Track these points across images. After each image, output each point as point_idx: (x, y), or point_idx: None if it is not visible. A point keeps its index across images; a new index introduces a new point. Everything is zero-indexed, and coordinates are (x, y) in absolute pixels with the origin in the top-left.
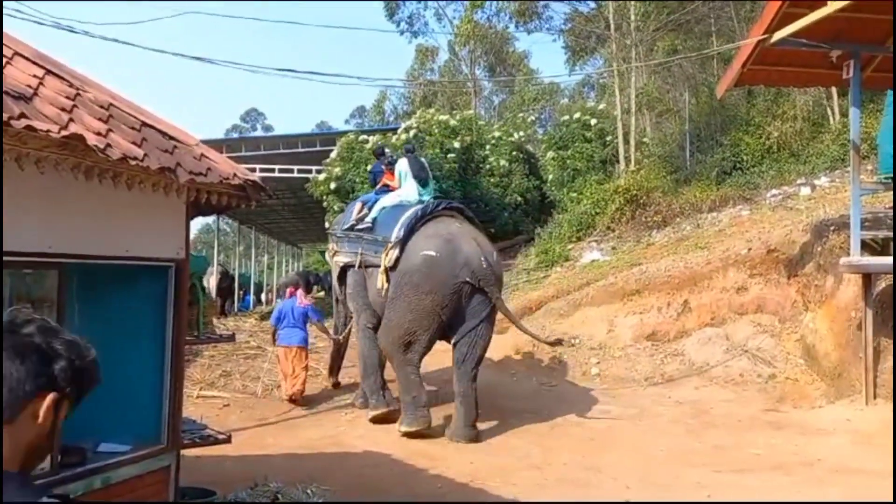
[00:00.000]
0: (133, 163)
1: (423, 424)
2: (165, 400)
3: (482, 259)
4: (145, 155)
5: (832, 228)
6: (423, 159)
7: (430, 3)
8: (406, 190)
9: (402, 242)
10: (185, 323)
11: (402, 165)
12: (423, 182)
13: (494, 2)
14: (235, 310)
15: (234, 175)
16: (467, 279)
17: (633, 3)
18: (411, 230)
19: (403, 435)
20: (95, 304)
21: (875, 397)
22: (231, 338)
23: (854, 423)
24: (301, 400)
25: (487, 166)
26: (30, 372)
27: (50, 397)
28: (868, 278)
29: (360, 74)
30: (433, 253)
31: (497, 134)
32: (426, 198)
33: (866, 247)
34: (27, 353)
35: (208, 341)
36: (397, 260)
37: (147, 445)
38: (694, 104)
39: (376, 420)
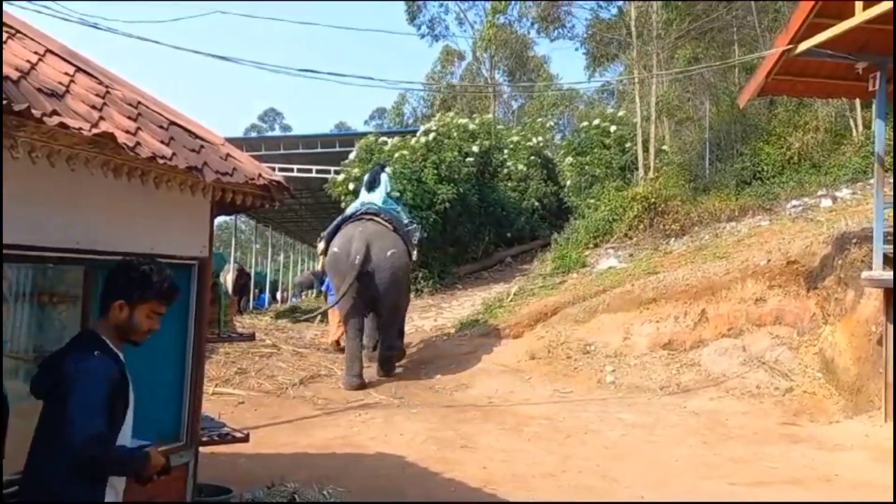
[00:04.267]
0: (161, 161)
1: (352, 388)
2: (186, 397)
3: (357, 256)
4: (173, 154)
5: (854, 241)
6: (383, 174)
7: (451, 7)
8: (361, 197)
9: (328, 238)
10: (206, 321)
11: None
12: (368, 189)
13: (517, 2)
14: (251, 308)
15: (259, 175)
16: (352, 271)
17: (654, 10)
18: (337, 229)
19: None
20: None
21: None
22: (251, 336)
23: (873, 438)
24: (339, 346)
25: (505, 170)
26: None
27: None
28: (890, 293)
29: (381, 77)
30: (337, 249)
31: (515, 138)
32: (368, 201)
33: (888, 261)
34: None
35: (229, 339)
36: (324, 251)
37: (167, 442)
38: (714, 113)
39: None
